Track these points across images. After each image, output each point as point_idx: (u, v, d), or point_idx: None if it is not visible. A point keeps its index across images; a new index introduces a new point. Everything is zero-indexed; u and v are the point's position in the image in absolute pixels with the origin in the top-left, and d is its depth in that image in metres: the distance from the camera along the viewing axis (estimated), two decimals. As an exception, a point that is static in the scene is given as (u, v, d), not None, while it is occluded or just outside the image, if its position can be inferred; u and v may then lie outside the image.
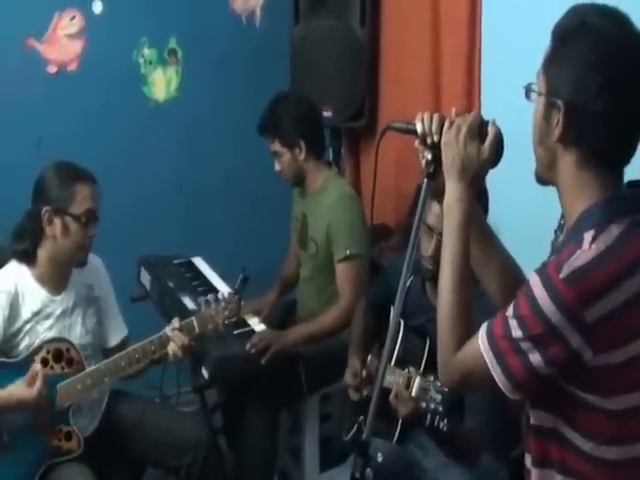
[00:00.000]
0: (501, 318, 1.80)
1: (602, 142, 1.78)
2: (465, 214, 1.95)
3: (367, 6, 4.52)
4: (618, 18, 1.79)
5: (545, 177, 1.89)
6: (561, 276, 1.70)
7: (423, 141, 2.05)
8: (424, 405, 2.71)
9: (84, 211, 3.14)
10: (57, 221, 3.13)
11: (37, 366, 3.03)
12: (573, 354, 1.71)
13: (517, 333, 1.75)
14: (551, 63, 1.82)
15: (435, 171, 2.06)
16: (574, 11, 1.81)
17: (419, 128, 2.04)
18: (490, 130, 1.97)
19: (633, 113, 1.78)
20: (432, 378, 2.73)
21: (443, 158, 1.99)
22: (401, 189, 4.49)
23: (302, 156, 3.87)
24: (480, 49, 3.97)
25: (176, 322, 3.21)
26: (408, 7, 4.41)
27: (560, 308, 1.69)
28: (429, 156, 2.05)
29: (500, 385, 1.79)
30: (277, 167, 3.95)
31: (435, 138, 2.01)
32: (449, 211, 1.97)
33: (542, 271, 1.75)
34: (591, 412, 1.79)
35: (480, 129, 1.97)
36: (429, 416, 2.67)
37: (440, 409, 2.68)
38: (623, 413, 1.79)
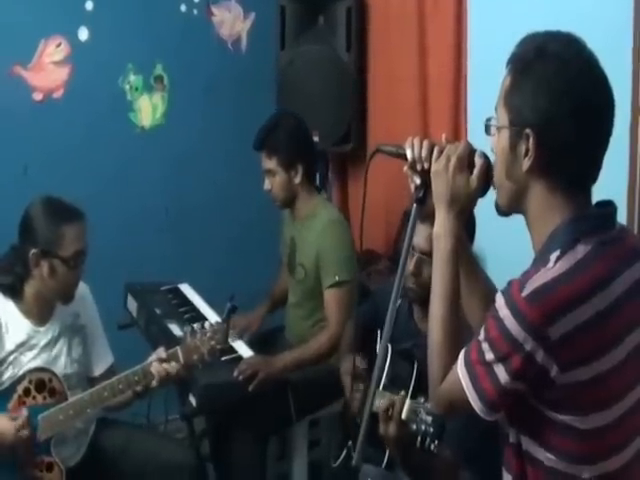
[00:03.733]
0: (475, 344, 1.81)
1: (571, 167, 1.78)
2: (454, 245, 1.96)
3: (353, 31, 4.54)
4: (575, 43, 1.80)
5: (511, 208, 1.89)
6: (523, 294, 1.71)
7: (412, 166, 2.04)
8: (414, 427, 2.70)
9: (73, 253, 3.09)
10: (44, 263, 3.07)
11: (24, 412, 2.99)
12: (540, 370, 1.72)
13: (489, 356, 1.76)
14: (512, 93, 1.81)
15: (424, 196, 2.06)
16: (530, 40, 1.82)
17: (409, 154, 2.04)
18: (477, 161, 1.96)
19: (600, 135, 1.79)
20: (422, 400, 2.72)
21: (432, 187, 1.99)
22: (390, 213, 4.50)
23: (297, 179, 3.85)
24: (466, 73, 3.99)
25: (162, 352, 3.16)
26: (395, 32, 4.43)
27: (524, 326, 1.70)
28: (418, 181, 2.05)
29: (475, 408, 1.81)
30: (267, 186, 3.89)
31: (425, 165, 2.01)
32: (438, 242, 1.97)
33: (506, 291, 1.76)
34: (564, 432, 1.79)
35: (469, 159, 1.97)
36: (420, 438, 2.66)
37: (431, 430, 2.67)
38: (594, 432, 1.79)
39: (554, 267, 1.73)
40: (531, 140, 1.77)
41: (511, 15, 3.57)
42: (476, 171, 1.95)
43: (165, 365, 3.11)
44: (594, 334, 1.73)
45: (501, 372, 1.75)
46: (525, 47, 1.81)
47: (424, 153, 2.01)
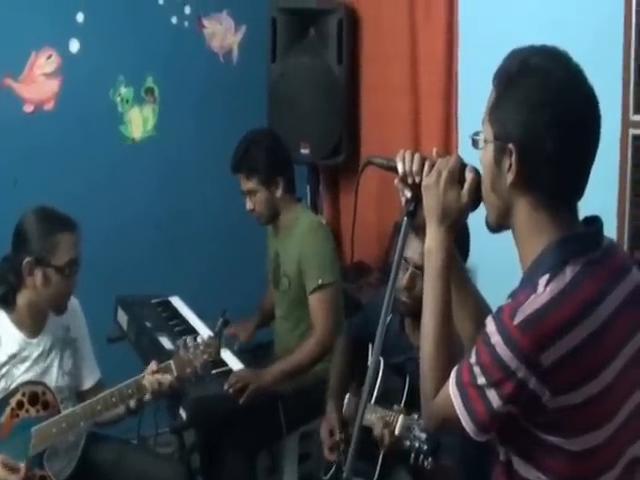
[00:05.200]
0: (467, 366, 1.80)
1: (555, 181, 1.78)
2: (446, 259, 1.95)
3: (344, 43, 4.54)
4: (559, 56, 1.80)
5: (499, 224, 1.89)
6: (515, 322, 1.71)
7: (403, 179, 2.04)
8: (408, 443, 2.69)
9: (66, 262, 3.08)
10: (38, 272, 3.06)
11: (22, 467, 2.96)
12: (531, 395, 1.72)
13: (481, 380, 1.76)
14: (497, 108, 1.81)
15: (415, 209, 2.05)
16: (514, 54, 1.81)
17: (400, 168, 2.03)
18: (468, 175, 1.96)
19: (583, 150, 1.79)
20: (416, 417, 2.71)
21: (423, 202, 1.99)
22: (381, 226, 4.50)
23: (279, 193, 3.85)
24: (457, 84, 3.99)
25: (154, 365, 3.16)
26: (387, 43, 4.44)
27: (516, 354, 1.70)
28: (409, 194, 2.05)
29: (466, 428, 1.80)
30: (249, 206, 3.89)
31: (416, 179, 2.01)
32: (430, 256, 1.97)
33: (497, 317, 1.76)
34: (555, 453, 1.79)
35: (460, 174, 1.97)
36: (413, 455, 2.65)
37: (425, 447, 2.66)
38: (584, 453, 1.79)
39: (544, 292, 1.73)
40: (514, 155, 1.77)
41: (502, 26, 3.58)
42: (467, 186, 1.95)
43: (158, 376, 3.10)
44: (585, 358, 1.73)
45: (493, 396, 1.75)
46: (509, 62, 1.81)
47: (415, 167, 2.00)
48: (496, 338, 1.73)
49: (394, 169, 2.06)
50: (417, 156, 2.02)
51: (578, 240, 1.81)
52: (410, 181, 2.02)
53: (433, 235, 1.97)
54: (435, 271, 1.95)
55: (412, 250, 2.94)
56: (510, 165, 1.78)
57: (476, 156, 1.93)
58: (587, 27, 3.17)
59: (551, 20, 3.31)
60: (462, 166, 1.97)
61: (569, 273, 1.75)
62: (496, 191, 1.85)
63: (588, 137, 1.79)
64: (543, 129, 1.73)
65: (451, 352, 1.92)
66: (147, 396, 3.11)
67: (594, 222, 1.88)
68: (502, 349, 1.71)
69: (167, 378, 3.11)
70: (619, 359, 1.80)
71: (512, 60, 1.80)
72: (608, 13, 3.09)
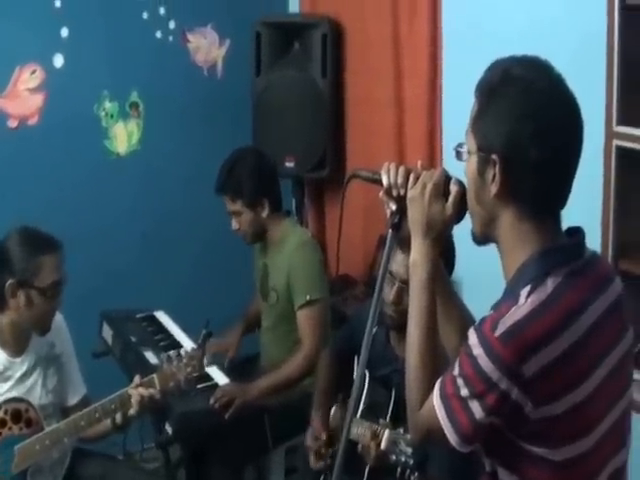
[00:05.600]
0: (450, 378, 1.80)
1: (538, 192, 1.78)
2: (431, 271, 1.96)
3: (328, 57, 4.55)
4: (541, 67, 1.80)
5: (484, 235, 1.89)
6: (496, 334, 1.71)
7: (388, 192, 2.04)
8: (394, 458, 2.68)
9: (50, 284, 3.07)
10: (21, 294, 3.05)
11: None
12: (514, 406, 1.72)
13: (464, 392, 1.76)
14: (479, 119, 1.82)
15: (400, 222, 2.06)
16: (496, 65, 1.82)
17: (385, 180, 2.04)
18: (453, 188, 1.96)
19: (566, 160, 1.79)
20: (402, 431, 2.70)
21: (408, 214, 1.99)
22: (367, 239, 4.50)
23: (265, 213, 3.84)
24: (441, 96, 4.00)
25: (137, 379, 3.14)
26: (371, 57, 4.45)
27: (498, 366, 1.70)
28: (394, 207, 2.05)
29: (450, 440, 1.80)
30: (235, 226, 3.89)
31: (401, 191, 2.01)
32: (415, 269, 1.97)
33: (479, 329, 1.76)
34: (539, 464, 1.79)
35: (444, 186, 1.97)
36: (399, 469, 2.64)
37: (411, 462, 2.65)
38: (568, 463, 1.79)
39: (525, 304, 1.73)
40: (497, 166, 1.77)
41: (485, 38, 3.59)
42: (451, 198, 1.95)
43: (141, 390, 3.09)
44: (567, 368, 1.74)
45: (476, 408, 1.75)
46: (491, 73, 1.81)
47: (400, 179, 2.01)
48: (478, 350, 1.73)
49: (379, 182, 2.06)
50: (402, 169, 2.03)
51: (560, 251, 1.81)
52: (395, 194, 2.03)
53: (418, 248, 1.97)
54: (420, 283, 1.96)
55: (398, 264, 2.95)
56: (494, 176, 1.78)
57: (461, 168, 1.93)
58: (570, 38, 3.18)
59: (535, 31, 3.32)
60: (447, 179, 1.98)
61: (550, 284, 1.75)
62: (480, 202, 1.85)
63: (571, 147, 1.79)
64: (526, 140, 1.74)
65: (436, 364, 1.92)
66: (131, 411, 3.10)
67: (576, 233, 1.88)
68: (484, 361, 1.72)
69: (150, 392, 3.10)
70: (602, 368, 1.81)
71: (494, 71, 1.81)
72: (591, 23, 3.10)
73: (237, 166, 3.85)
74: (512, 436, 1.78)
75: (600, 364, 1.81)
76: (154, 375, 3.15)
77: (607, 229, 3.11)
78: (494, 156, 1.77)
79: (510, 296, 1.78)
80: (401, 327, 2.64)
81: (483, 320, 1.78)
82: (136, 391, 3.08)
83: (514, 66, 1.79)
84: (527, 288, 1.75)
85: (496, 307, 1.80)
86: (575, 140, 1.80)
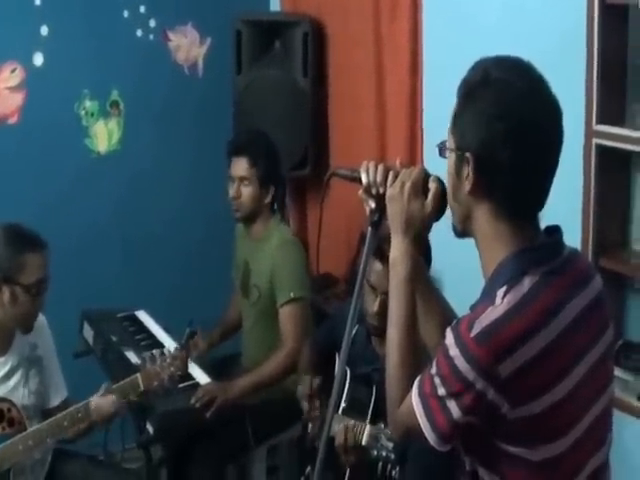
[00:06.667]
0: (428, 377, 1.81)
1: (512, 192, 1.79)
2: (411, 269, 1.96)
3: (309, 56, 4.54)
4: (522, 68, 1.81)
5: (462, 230, 1.91)
6: (472, 334, 1.71)
7: (367, 190, 2.05)
8: (375, 453, 2.69)
9: (34, 281, 3.07)
10: (6, 290, 3.04)
11: None
12: (491, 406, 1.72)
13: (441, 391, 1.76)
14: (458, 118, 1.83)
15: (379, 220, 2.06)
16: (477, 65, 1.83)
17: (364, 179, 2.05)
18: (431, 185, 1.97)
19: (542, 161, 1.80)
20: (382, 426, 2.71)
21: (388, 212, 2.00)
22: (348, 237, 4.50)
23: (267, 199, 3.86)
24: (422, 96, 4.01)
25: (102, 389, 3.13)
26: (353, 56, 4.45)
27: (473, 366, 1.71)
28: (373, 205, 2.06)
29: (428, 438, 1.81)
30: (235, 192, 3.84)
31: (380, 190, 2.01)
32: (395, 266, 1.98)
33: (455, 329, 1.77)
34: (517, 464, 1.79)
35: (424, 184, 1.98)
36: (381, 464, 2.65)
37: (392, 457, 2.66)
38: (547, 463, 1.79)
39: (501, 304, 1.74)
40: (470, 164, 1.78)
41: (466, 38, 3.60)
42: (430, 195, 1.97)
43: (99, 400, 3.09)
44: (544, 368, 1.74)
45: (453, 407, 1.75)
46: (472, 73, 1.82)
47: (379, 178, 2.02)
48: (454, 350, 1.74)
49: (358, 180, 2.07)
50: (381, 167, 2.04)
51: (537, 250, 1.82)
52: (374, 192, 2.04)
53: (398, 245, 1.98)
54: (400, 281, 1.96)
55: (377, 276, 2.97)
56: (467, 174, 1.80)
57: (441, 167, 1.95)
58: (551, 38, 3.19)
59: (515, 32, 3.33)
60: (426, 176, 1.99)
61: (527, 284, 1.76)
62: (457, 199, 1.87)
63: (546, 149, 1.80)
64: (498, 141, 1.75)
65: (416, 361, 1.92)
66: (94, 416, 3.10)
67: (555, 232, 1.89)
68: (460, 361, 1.72)
69: (109, 400, 3.08)
70: (581, 366, 1.81)
71: (475, 71, 1.82)
72: (571, 23, 3.11)
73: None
74: (490, 436, 1.79)
75: (579, 362, 1.81)
76: (137, 374, 3.15)
77: (587, 227, 3.12)
78: (468, 154, 1.78)
79: (487, 296, 1.79)
80: (383, 332, 2.66)
81: (460, 320, 1.78)
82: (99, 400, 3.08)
83: (494, 67, 1.79)
84: (503, 288, 1.76)
85: (473, 307, 1.81)
86: (552, 142, 1.80)
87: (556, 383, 1.76)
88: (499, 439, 1.78)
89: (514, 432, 1.76)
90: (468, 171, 1.79)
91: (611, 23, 3.01)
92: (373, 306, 3.03)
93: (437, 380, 1.77)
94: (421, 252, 2.03)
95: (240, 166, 3.84)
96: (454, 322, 1.80)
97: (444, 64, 3.76)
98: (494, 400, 1.72)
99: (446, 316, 2.08)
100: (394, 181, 1.99)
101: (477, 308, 1.77)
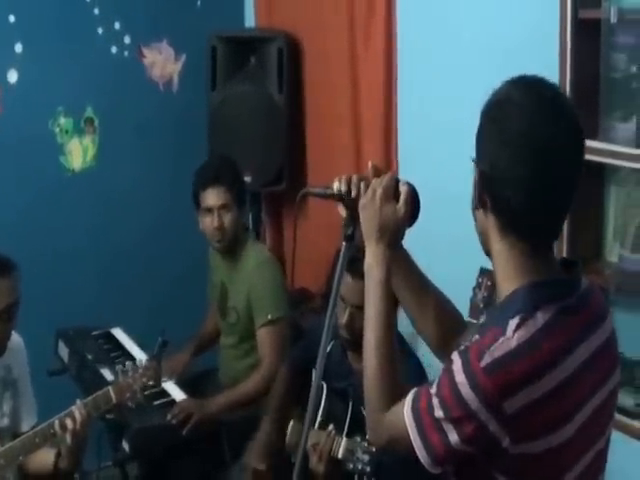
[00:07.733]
0: (426, 393, 1.78)
1: (523, 214, 1.75)
2: (386, 274, 1.96)
3: (284, 72, 4.55)
4: (536, 90, 1.78)
5: (485, 249, 1.88)
6: (482, 365, 1.68)
7: (342, 201, 2.06)
8: (351, 466, 2.68)
9: (4, 307, 3.04)
10: None
11: None
12: (491, 438, 1.70)
13: (439, 413, 1.73)
14: (477, 138, 1.82)
15: (353, 233, 2.07)
16: (500, 87, 1.81)
17: (336, 192, 2.05)
18: (402, 189, 1.99)
19: (552, 183, 1.75)
20: (358, 439, 2.71)
21: (361, 220, 2.01)
22: (324, 252, 4.48)
23: (243, 218, 3.86)
24: (397, 111, 4.01)
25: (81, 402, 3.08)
26: (328, 72, 4.45)
27: (479, 396, 1.68)
28: (344, 214, 2.07)
29: (420, 459, 1.78)
30: (218, 223, 3.77)
31: (353, 194, 2.03)
32: (370, 272, 1.98)
33: (464, 355, 1.73)
34: None
35: (395, 189, 1.99)
36: (356, 477, 2.64)
37: (368, 470, 2.66)
38: None
39: (513, 337, 1.70)
40: (481, 181, 1.78)
41: (440, 55, 3.60)
42: (402, 198, 1.98)
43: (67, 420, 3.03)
44: (549, 409, 1.72)
45: (451, 433, 1.72)
46: (494, 94, 1.80)
47: (353, 189, 2.03)
48: (460, 377, 1.70)
49: (330, 197, 2.08)
50: (354, 177, 2.05)
51: (553, 286, 1.79)
52: (348, 203, 2.04)
53: (372, 252, 1.98)
54: (376, 284, 1.96)
55: (348, 289, 2.98)
56: (480, 191, 1.80)
57: (418, 183, 1.99)
58: (523, 51, 3.18)
59: (489, 49, 3.33)
60: (396, 181, 2.01)
61: (540, 320, 1.73)
62: (474, 212, 1.86)
63: (558, 172, 1.75)
64: (514, 160, 1.72)
65: (394, 364, 1.91)
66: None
67: (573, 266, 1.87)
68: (465, 389, 1.69)
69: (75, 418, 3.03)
70: (583, 412, 1.79)
71: (496, 91, 1.80)
72: (544, 36, 3.12)
73: (227, 160, 3.88)
74: (486, 465, 1.76)
75: (582, 408, 1.79)
76: (109, 387, 3.12)
77: (561, 238, 3.13)
78: (480, 172, 1.78)
79: (498, 322, 1.75)
80: (357, 346, 2.66)
81: (469, 347, 1.74)
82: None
83: (515, 88, 1.78)
84: (516, 320, 1.72)
85: (483, 331, 1.77)
86: (564, 166, 1.76)
87: (558, 427, 1.74)
88: (496, 471, 1.76)
89: (512, 466, 1.74)
90: (481, 188, 1.79)
91: (584, 37, 3.02)
92: (342, 318, 3.05)
93: (435, 401, 1.74)
94: (397, 257, 2.02)
95: (219, 195, 3.79)
96: (462, 347, 1.77)
97: (419, 80, 3.77)
98: (496, 433, 1.69)
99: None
100: (366, 190, 2.00)
101: (487, 333, 1.74)
